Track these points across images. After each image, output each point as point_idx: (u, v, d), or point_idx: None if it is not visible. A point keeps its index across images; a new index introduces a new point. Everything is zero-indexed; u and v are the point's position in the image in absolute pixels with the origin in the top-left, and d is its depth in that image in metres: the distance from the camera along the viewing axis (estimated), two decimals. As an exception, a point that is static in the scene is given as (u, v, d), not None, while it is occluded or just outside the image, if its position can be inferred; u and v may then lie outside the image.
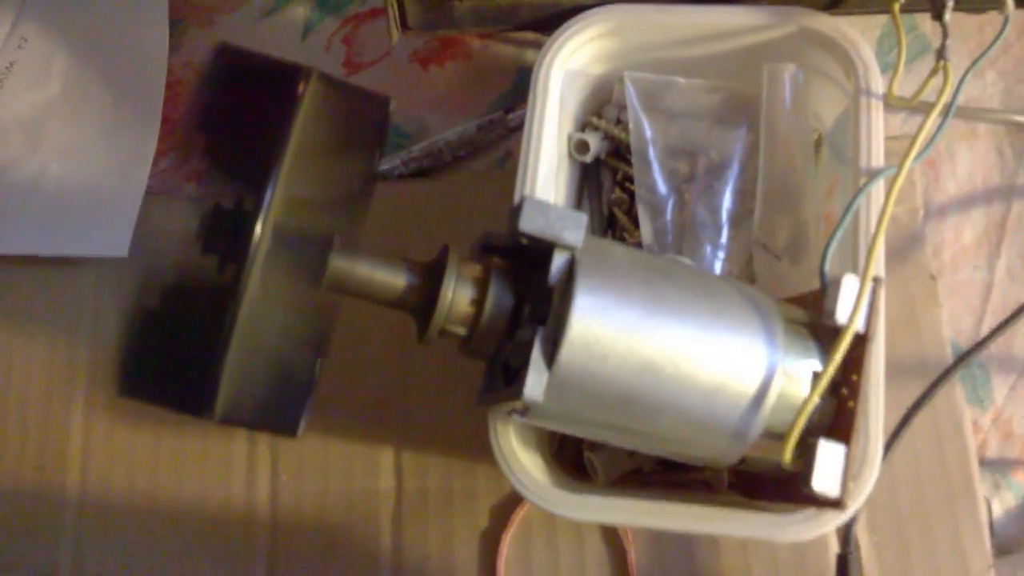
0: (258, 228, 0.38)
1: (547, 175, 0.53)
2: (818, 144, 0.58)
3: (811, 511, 0.46)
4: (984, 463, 0.58)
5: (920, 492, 0.56)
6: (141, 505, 0.62)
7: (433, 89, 0.70)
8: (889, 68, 0.52)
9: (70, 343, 0.66)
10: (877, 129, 0.50)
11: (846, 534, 0.53)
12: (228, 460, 0.62)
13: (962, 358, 0.56)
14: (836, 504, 0.42)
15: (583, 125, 0.60)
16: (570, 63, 0.56)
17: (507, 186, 0.53)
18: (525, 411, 0.43)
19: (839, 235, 0.46)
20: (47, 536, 0.62)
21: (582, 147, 0.59)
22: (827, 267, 0.46)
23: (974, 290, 0.61)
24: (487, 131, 0.66)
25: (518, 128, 0.66)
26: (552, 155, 0.54)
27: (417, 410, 0.61)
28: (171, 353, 0.41)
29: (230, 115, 0.42)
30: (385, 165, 0.66)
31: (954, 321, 0.61)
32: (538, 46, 0.65)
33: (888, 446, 0.52)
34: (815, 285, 0.46)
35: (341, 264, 0.42)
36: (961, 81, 0.51)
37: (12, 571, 0.61)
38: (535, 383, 0.41)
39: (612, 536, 0.57)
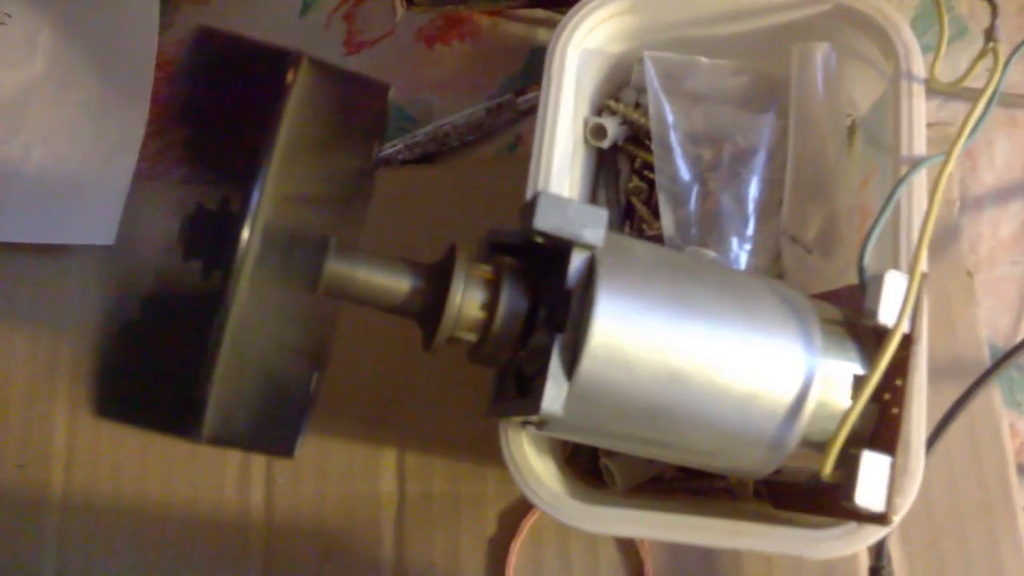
0: (246, 231, 0.35)
1: (562, 162, 0.51)
2: (852, 131, 0.56)
3: (848, 526, 0.43)
4: (1022, 470, 0.56)
5: (955, 501, 0.54)
6: (128, 507, 0.60)
7: (439, 70, 0.68)
8: (926, 51, 0.50)
9: (54, 336, 0.64)
10: (919, 115, 0.48)
11: (879, 547, 0.51)
12: (221, 461, 0.60)
13: (1001, 360, 0.54)
14: (880, 519, 0.40)
15: (600, 109, 0.58)
16: (587, 42, 0.53)
17: (517, 172, 0.51)
18: (542, 424, 0.40)
19: (880, 227, 0.44)
20: (30, 538, 0.60)
21: (599, 132, 0.56)
22: (866, 262, 0.43)
23: (1012, 287, 0.59)
24: (496, 115, 0.65)
25: (529, 112, 0.64)
26: (567, 140, 0.52)
27: (421, 409, 0.59)
28: (153, 369, 0.38)
29: (213, 106, 0.39)
30: (388, 150, 0.64)
31: (991, 320, 0.59)
32: (551, 25, 0.64)
33: (924, 455, 0.50)
34: (848, 280, 0.44)
35: (338, 267, 0.40)
36: (1005, 65, 0.49)
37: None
38: (554, 396, 0.38)
39: (628, 545, 0.55)
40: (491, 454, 0.47)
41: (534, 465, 0.46)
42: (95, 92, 0.70)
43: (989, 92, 0.46)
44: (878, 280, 0.41)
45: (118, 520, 0.60)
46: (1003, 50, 0.49)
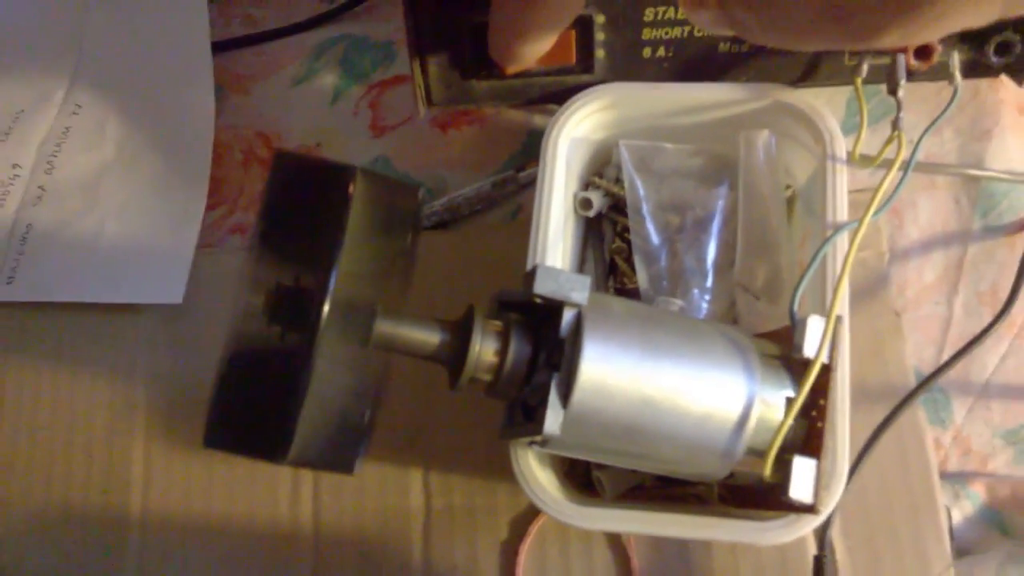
0: (326, 307, 0.45)
1: (557, 229, 0.59)
2: (792, 200, 0.64)
3: (790, 517, 0.52)
4: (945, 476, 0.63)
5: (887, 502, 0.61)
6: (196, 524, 0.67)
7: (451, 150, 0.74)
8: (857, 129, 0.59)
9: (128, 382, 0.71)
10: (841, 188, 0.57)
11: (822, 538, 0.58)
12: (274, 482, 0.67)
13: (924, 383, 0.61)
14: (810, 509, 0.50)
15: (586, 184, 0.65)
16: (575, 132, 0.62)
17: (518, 236, 0.58)
18: (544, 443, 0.50)
19: (806, 281, 0.53)
20: (114, 554, 0.67)
21: (586, 204, 0.65)
22: (796, 307, 0.52)
23: (935, 324, 0.66)
24: (500, 187, 0.71)
25: (528, 184, 0.71)
26: (560, 211, 0.60)
27: (443, 436, 0.66)
28: (247, 410, 0.48)
29: (285, 207, 0.49)
30: (411, 218, 0.73)
31: (917, 351, 0.66)
32: (545, 111, 0.71)
33: (858, 462, 0.58)
34: (787, 322, 0.53)
35: (384, 328, 0.49)
36: (916, 144, 0.57)
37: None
38: (553, 420, 0.47)
39: (617, 545, 0.63)
40: (501, 471, 0.55)
41: (539, 476, 0.54)
42: (160, 171, 0.76)
43: (893, 171, 0.55)
44: (803, 322, 0.51)
45: (188, 536, 0.67)
46: (921, 124, 0.58)
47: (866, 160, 0.60)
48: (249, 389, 0.48)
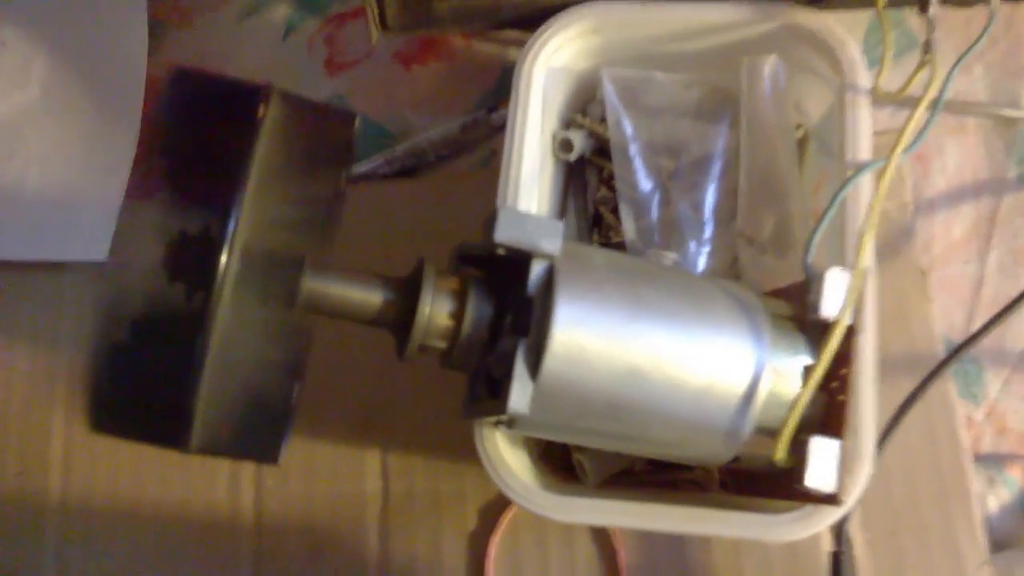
0: (224, 255, 0.38)
1: (531, 174, 0.53)
2: (804, 141, 0.58)
3: (804, 510, 0.46)
4: (978, 459, 0.58)
5: (913, 489, 0.56)
6: (124, 510, 0.62)
7: (416, 89, 0.70)
8: (876, 64, 0.52)
9: (51, 348, 0.65)
10: (864, 124, 0.50)
11: (839, 532, 0.53)
12: (212, 465, 0.62)
13: (954, 353, 0.56)
14: (831, 500, 0.43)
15: (568, 123, 0.60)
16: (553, 60, 0.55)
17: (491, 185, 0.53)
18: (511, 422, 0.43)
19: (823, 227, 0.46)
20: (29, 542, 0.62)
21: (566, 145, 0.58)
22: (810, 260, 0.45)
23: (965, 285, 0.61)
24: (470, 130, 0.66)
25: (502, 127, 0.64)
26: (536, 154, 0.54)
27: (402, 412, 0.61)
28: (144, 386, 0.40)
29: (191, 139, 0.41)
30: (368, 165, 0.66)
31: (945, 316, 0.61)
32: (522, 45, 0.65)
33: (880, 443, 0.53)
34: (800, 277, 0.46)
35: (314, 285, 0.42)
36: (948, 75, 0.51)
37: (-6, 578, 0.61)
38: (520, 396, 0.41)
39: (602, 537, 0.57)
40: (469, 453, 0.49)
41: (508, 460, 0.48)
42: (88, 115, 0.71)
43: (927, 101, 0.49)
44: (820, 277, 0.44)
45: (115, 523, 0.62)
46: (945, 62, 0.52)
47: (889, 94, 0.53)
48: (148, 361, 0.40)
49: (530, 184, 0.53)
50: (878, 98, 0.53)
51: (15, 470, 0.63)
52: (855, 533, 0.55)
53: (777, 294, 0.48)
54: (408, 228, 0.64)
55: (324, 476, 0.61)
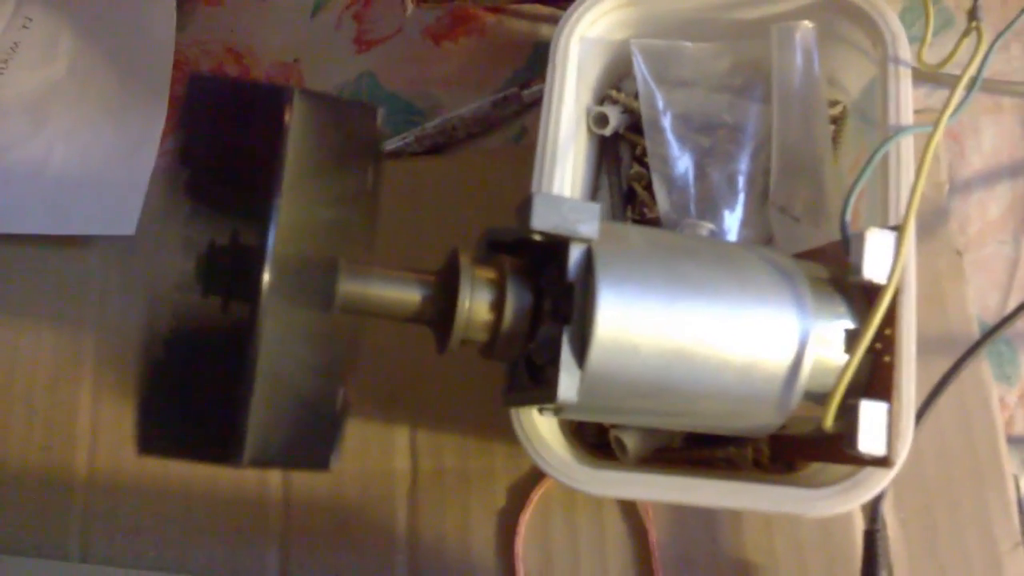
0: (267, 263, 0.36)
1: (566, 147, 0.52)
2: (842, 119, 0.57)
3: (843, 485, 0.45)
4: (1012, 440, 0.57)
5: (947, 469, 0.55)
6: (151, 487, 0.61)
7: (446, 65, 0.69)
8: (913, 41, 0.51)
9: (77, 323, 0.65)
10: (906, 95, 0.49)
11: (873, 511, 0.52)
12: None
13: (989, 334, 0.55)
14: (883, 462, 0.42)
15: (602, 98, 0.59)
16: (589, 32, 0.55)
17: (522, 163, 0.53)
18: (559, 410, 0.42)
19: (861, 183, 0.45)
20: (55, 517, 0.61)
21: (601, 120, 0.58)
22: (848, 218, 0.44)
23: (1000, 266, 0.60)
24: (502, 107, 0.66)
25: (533, 104, 0.65)
26: (571, 128, 0.53)
27: (432, 390, 0.60)
28: (187, 404, 0.38)
29: (212, 147, 0.39)
30: (398, 143, 0.66)
31: (981, 298, 0.60)
32: (553, 21, 0.65)
33: (916, 422, 0.51)
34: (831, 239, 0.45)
35: (349, 287, 0.41)
36: (988, 51, 0.50)
37: (20, 552, 0.60)
38: (568, 384, 0.39)
39: (632, 515, 0.56)
40: (499, 430, 0.48)
41: (544, 435, 0.48)
42: (115, 91, 0.71)
43: (976, 63, 0.48)
44: (860, 237, 0.43)
45: (141, 499, 0.61)
46: (987, 35, 0.51)
47: (931, 67, 0.53)
48: (189, 377, 0.39)
49: (565, 156, 0.52)
50: (921, 69, 0.52)
51: (41, 444, 0.63)
52: (888, 512, 0.54)
53: (808, 255, 0.48)
54: (439, 206, 0.63)
55: (352, 454, 0.60)
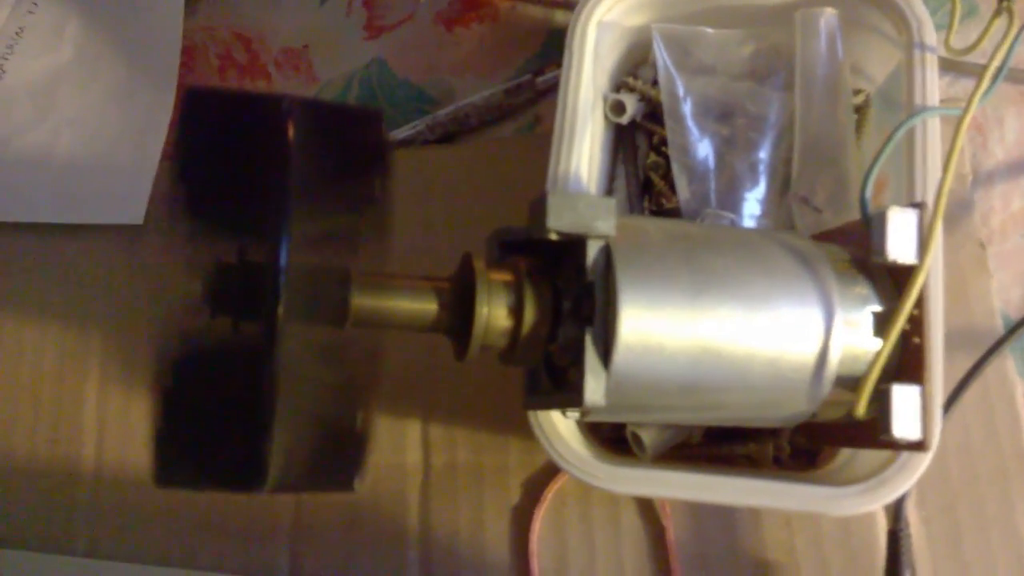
0: (282, 282, 0.34)
1: (581, 136, 0.51)
2: (865, 108, 0.56)
3: (868, 483, 0.44)
4: None
5: (971, 467, 0.54)
6: None
7: (459, 52, 0.68)
8: (937, 29, 0.50)
9: (83, 314, 0.64)
10: (932, 79, 0.48)
11: (897, 510, 0.51)
12: None
13: (1014, 328, 0.54)
14: (919, 447, 0.41)
15: (619, 86, 0.58)
16: (607, 17, 0.53)
17: (535, 151, 0.52)
18: (584, 413, 0.40)
19: (882, 160, 0.44)
20: (62, 511, 0.61)
21: (618, 108, 0.56)
22: (869, 194, 0.43)
23: None
24: (515, 95, 0.65)
25: (547, 92, 0.64)
26: (587, 115, 0.52)
27: (444, 383, 0.59)
28: (203, 431, 0.37)
29: (211, 161, 0.37)
30: (409, 131, 0.64)
31: (1003, 291, 0.58)
32: (568, 7, 0.64)
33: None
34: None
35: (362, 301, 0.39)
36: (1015, 39, 0.49)
37: (26, 546, 0.59)
38: (595, 387, 0.38)
39: (649, 512, 0.55)
40: (512, 425, 0.47)
41: (560, 430, 0.47)
42: (122, 77, 0.70)
43: (1010, 40, 0.47)
44: (882, 217, 0.41)
45: (149, 493, 0.59)
46: (1018, 16, 0.50)
47: (959, 51, 0.51)
48: (203, 404, 0.37)
49: (581, 146, 0.51)
50: (949, 53, 0.51)
51: (47, 437, 0.62)
52: (910, 511, 0.53)
53: (826, 237, 0.46)
54: (451, 195, 0.62)
55: (371, 443, 0.59)
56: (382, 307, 0.40)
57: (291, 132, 0.36)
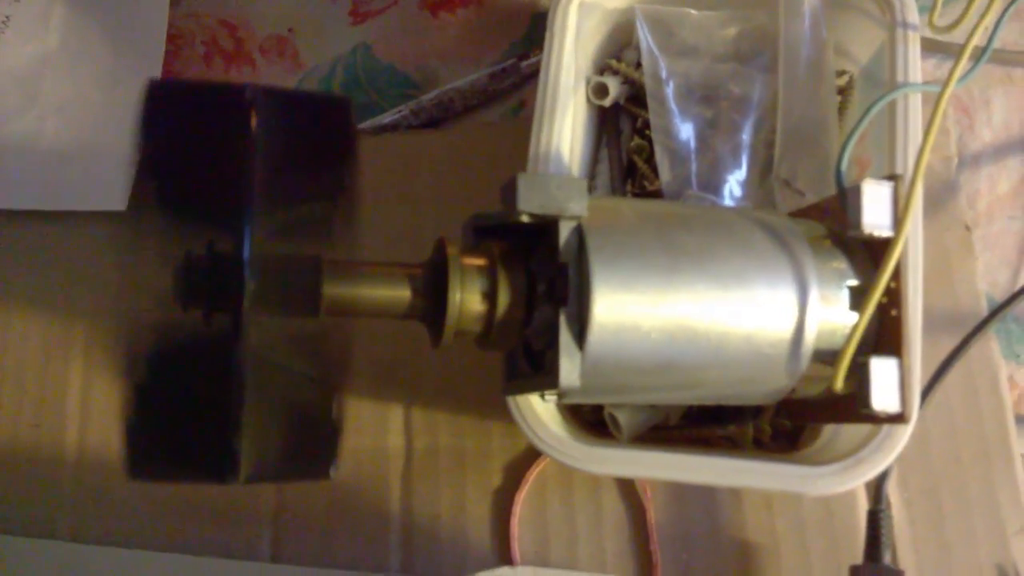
0: (247, 272, 0.34)
1: (563, 119, 0.51)
2: (849, 89, 0.55)
3: (845, 462, 0.44)
4: (1020, 419, 0.56)
5: (954, 448, 0.54)
6: None
7: (443, 37, 0.68)
8: (922, 12, 0.50)
9: (68, 300, 0.64)
10: (915, 57, 0.48)
11: (877, 491, 0.50)
12: None
13: (997, 311, 0.54)
14: (898, 419, 0.40)
15: (602, 68, 0.58)
16: None
17: (521, 136, 0.51)
18: (561, 395, 0.41)
19: (859, 132, 0.44)
20: (45, 495, 0.60)
21: (601, 91, 0.56)
22: (844, 167, 0.43)
23: (1010, 242, 0.59)
24: (500, 79, 0.64)
25: (532, 76, 0.64)
26: (569, 98, 0.52)
27: (426, 367, 0.59)
28: (176, 425, 0.37)
29: (177, 154, 0.37)
30: (394, 116, 0.64)
31: (989, 274, 0.58)
32: None
33: (921, 400, 0.50)
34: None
35: (334, 289, 0.39)
36: (999, 19, 0.50)
37: (9, 531, 0.59)
38: (570, 369, 0.38)
39: (630, 494, 0.55)
40: (494, 409, 0.47)
41: (540, 413, 0.46)
42: (108, 65, 0.70)
43: (992, 13, 0.47)
44: (857, 190, 0.41)
45: None
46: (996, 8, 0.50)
47: (942, 29, 0.51)
48: (176, 397, 0.37)
49: (562, 129, 0.51)
50: (932, 30, 0.51)
51: (31, 422, 0.62)
52: (892, 492, 0.53)
53: (801, 214, 0.46)
54: (435, 180, 0.62)
55: (346, 431, 0.57)
56: (355, 295, 0.40)
57: (254, 122, 0.36)
